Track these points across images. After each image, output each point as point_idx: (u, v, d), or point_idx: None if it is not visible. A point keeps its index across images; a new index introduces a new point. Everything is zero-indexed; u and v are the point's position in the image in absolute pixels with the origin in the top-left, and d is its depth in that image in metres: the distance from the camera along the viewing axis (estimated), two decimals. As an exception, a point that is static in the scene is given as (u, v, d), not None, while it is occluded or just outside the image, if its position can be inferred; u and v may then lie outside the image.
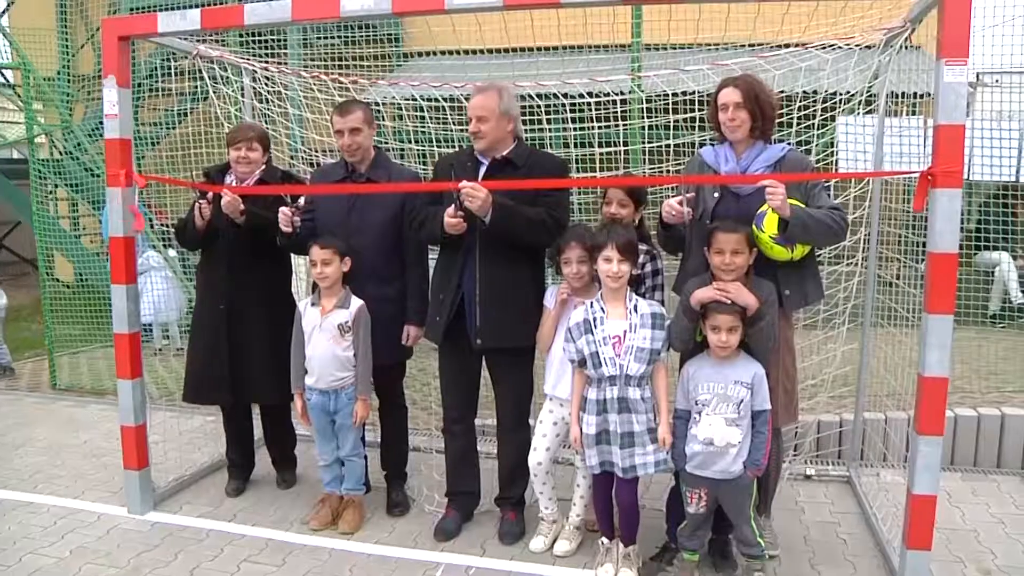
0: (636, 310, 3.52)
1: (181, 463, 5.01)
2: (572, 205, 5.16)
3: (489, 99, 3.83)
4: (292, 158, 5.81)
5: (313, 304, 4.14)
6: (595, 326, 3.52)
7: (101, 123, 5.05)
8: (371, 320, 4.11)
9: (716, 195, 3.67)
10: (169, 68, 7.79)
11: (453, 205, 3.70)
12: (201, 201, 4.25)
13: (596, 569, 3.75)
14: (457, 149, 4.45)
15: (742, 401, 3.41)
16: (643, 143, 5.31)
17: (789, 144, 3.77)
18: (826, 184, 3.68)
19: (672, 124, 5.07)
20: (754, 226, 3.47)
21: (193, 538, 4.15)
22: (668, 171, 5.06)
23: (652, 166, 5.17)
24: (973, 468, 5.09)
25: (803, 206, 3.45)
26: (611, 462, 3.57)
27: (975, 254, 7.33)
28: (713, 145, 3.82)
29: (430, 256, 4.25)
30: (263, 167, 4.44)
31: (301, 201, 4.21)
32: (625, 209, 3.87)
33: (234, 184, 4.37)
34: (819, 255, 3.89)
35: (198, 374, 4.50)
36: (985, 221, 6.91)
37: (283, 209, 4.06)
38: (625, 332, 3.49)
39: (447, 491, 4.28)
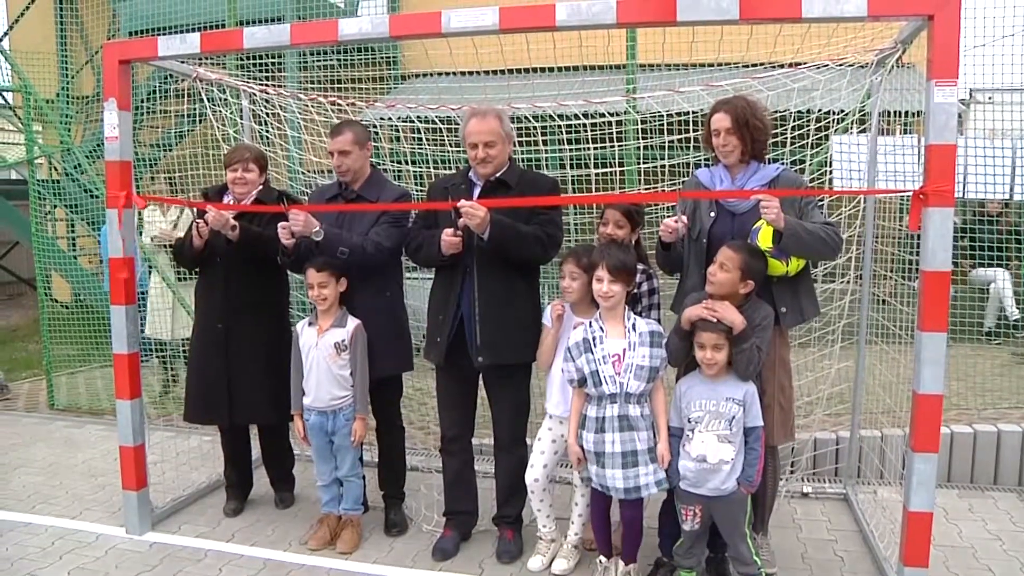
0: (635, 328, 3.55)
1: (179, 483, 5.01)
2: (568, 225, 5.19)
3: (494, 123, 3.87)
4: (291, 179, 5.85)
5: (310, 324, 4.16)
6: (595, 345, 3.55)
7: (100, 144, 5.07)
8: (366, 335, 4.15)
9: (712, 214, 3.72)
10: (168, 90, 7.85)
11: (453, 226, 3.74)
12: (199, 220, 4.28)
13: None
14: (454, 170, 4.48)
15: (734, 418, 3.43)
16: (638, 163, 5.36)
17: (782, 164, 3.82)
18: (820, 203, 3.72)
19: (667, 144, 5.11)
20: (748, 242, 3.51)
21: (191, 558, 4.15)
22: (663, 191, 5.09)
23: (647, 186, 5.21)
24: (970, 485, 5.10)
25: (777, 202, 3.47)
26: (605, 485, 3.57)
27: (969, 271, 7.36)
28: (709, 166, 3.87)
29: (425, 276, 4.28)
30: (260, 187, 4.47)
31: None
32: (621, 230, 3.91)
33: (230, 203, 4.41)
34: (813, 273, 3.92)
35: (196, 394, 4.51)
36: (972, 237, 6.93)
37: (282, 223, 4.08)
38: (624, 350, 3.51)
39: (445, 510, 4.28)
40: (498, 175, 3.92)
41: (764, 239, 3.47)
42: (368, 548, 4.25)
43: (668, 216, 3.80)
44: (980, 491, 4.99)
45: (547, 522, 4.04)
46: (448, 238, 3.76)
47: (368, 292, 4.21)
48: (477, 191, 3.94)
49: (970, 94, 7.23)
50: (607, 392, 3.51)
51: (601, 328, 3.57)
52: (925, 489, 3.39)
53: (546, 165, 5.24)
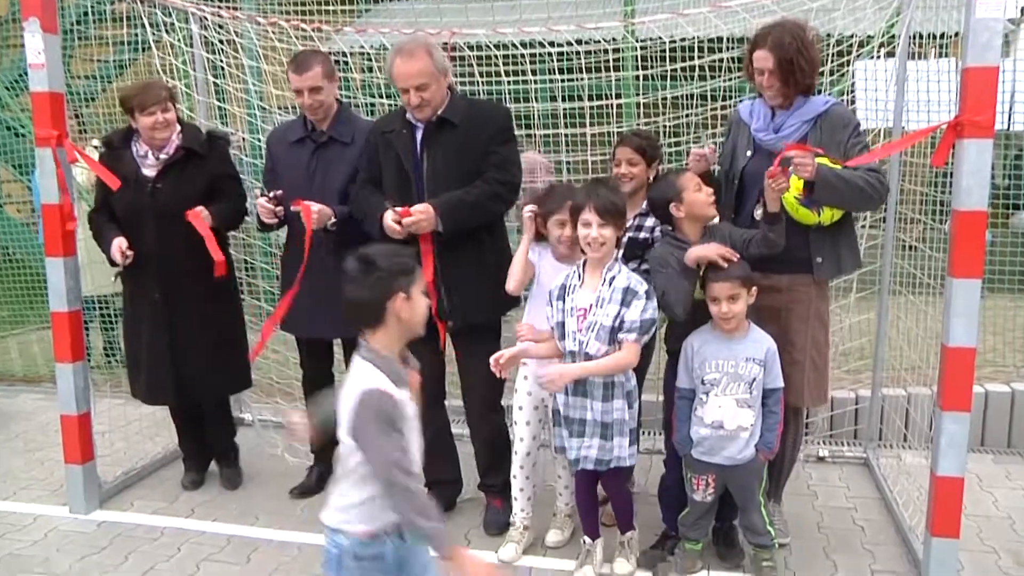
0: (610, 283, 3.41)
1: (130, 455, 5.02)
2: (560, 165, 5.20)
3: (423, 62, 3.76)
4: (250, 116, 5.76)
5: None
6: (567, 293, 3.49)
7: (23, 74, 4.96)
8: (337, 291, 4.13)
9: (748, 153, 3.75)
10: (104, 12, 7.69)
11: (391, 213, 3.74)
12: (118, 244, 4.16)
13: (575, 572, 3.76)
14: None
15: (754, 380, 3.45)
16: (637, 95, 5.33)
17: (831, 97, 3.79)
18: (865, 143, 3.70)
19: (668, 74, 5.09)
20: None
21: (146, 537, 4.18)
22: (664, 126, 5.09)
23: (647, 120, 5.20)
24: (1007, 449, 5.18)
25: (834, 167, 3.47)
26: (561, 448, 3.62)
27: (1012, 214, 7.37)
28: (752, 99, 3.87)
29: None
30: (180, 129, 4.31)
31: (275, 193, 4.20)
32: (635, 167, 3.93)
33: (148, 154, 4.25)
34: (858, 220, 3.93)
35: (140, 373, 4.46)
36: (1017, 176, 6.92)
37: (261, 203, 4.07)
38: (591, 305, 3.42)
39: (425, 480, 4.32)
40: (440, 113, 3.87)
41: (794, 186, 3.46)
42: (343, 522, 4.30)
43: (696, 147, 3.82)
44: (1019, 456, 5.08)
45: (526, 505, 4.01)
46: (392, 228, 3.75)
47: (345, 249, 4.15)
48: (419, 134, 3.90)
49: (1021, 12, 7.11)
50: (567, 348, 3.46)
51: (579, 276, 3.50)
52: (955, 452, 3.45)
53: (535, 97, 5.21)
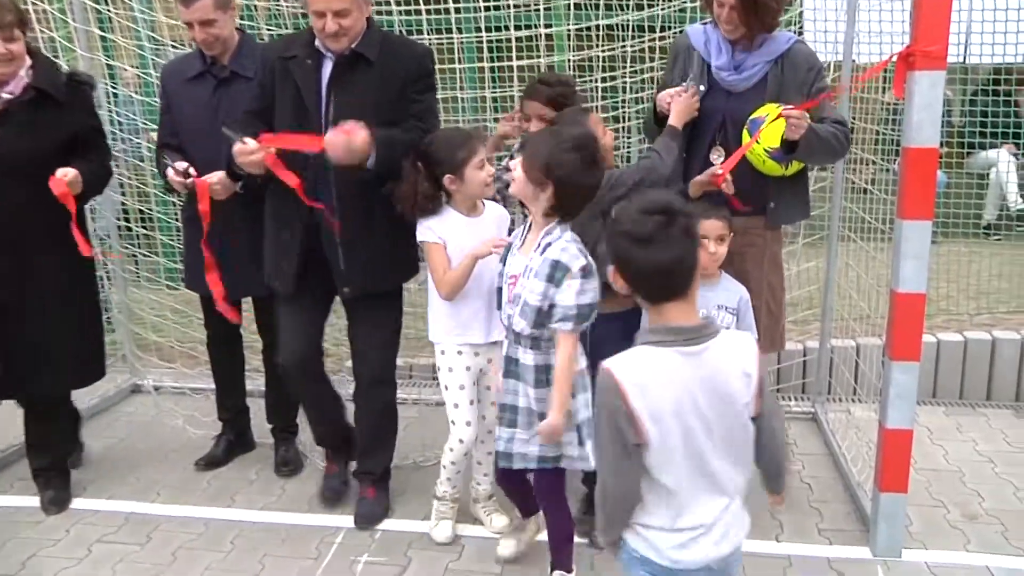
0: (543, 251, 3.03)
1: (11, 431, 4.81)
2: (485, 103, 5.20)
3: None
4: (140, 53, 5.58)
5: None
6: (509, 255, 3.25)
7: None
8: (244, 248, 4.03)
9: (702, 88, 3.70)
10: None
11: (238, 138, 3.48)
12: None
13: (500, 542, 3.73)
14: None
15: (728, 328, 3.45)
16: (567, 25, 5.27)
17: (795, 36, 3.79)
18: (828, 87, 3.73)
19: (603, 2, 5.06)
20: (746, 132, 3.53)
21: (29, 520, 4.09)
22: (598, 57, 5.04)
23: (579, 52, 5.15)
24: (959, 401, 5.31)
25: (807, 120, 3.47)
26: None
27: (968, 154, 7.47)
28: (705, 24, 3.80)
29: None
30: (31, 64, 3.83)
31: (182, 165, 3.99)
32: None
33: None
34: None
35: None
36: (973, 113, 7.00)
37: (173, 178, 3.93)
38: (520, 274, 3.13)
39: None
40: (354, 46, 3.62)
41: (768, 139, 3.47)
42: (255, 492, 4.29)
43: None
44: (971, 408, 5.21)
45: (457, 481, 3.87)
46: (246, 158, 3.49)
47: (242, 200, 4.01)
48: (328, 67, 3.66)
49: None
50: (503, 322, 3.25)
51: (522, 238, 3.22)
52: (904, 403, 3.50)
53: (458, 27, 5.13)
